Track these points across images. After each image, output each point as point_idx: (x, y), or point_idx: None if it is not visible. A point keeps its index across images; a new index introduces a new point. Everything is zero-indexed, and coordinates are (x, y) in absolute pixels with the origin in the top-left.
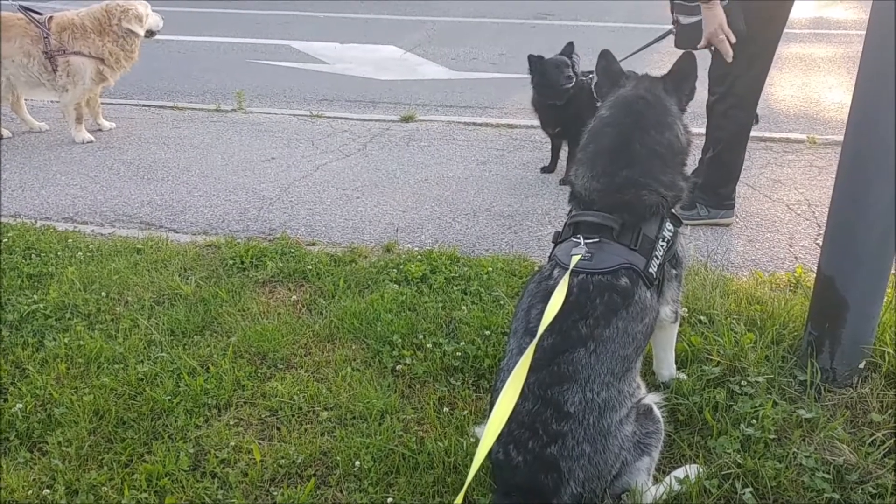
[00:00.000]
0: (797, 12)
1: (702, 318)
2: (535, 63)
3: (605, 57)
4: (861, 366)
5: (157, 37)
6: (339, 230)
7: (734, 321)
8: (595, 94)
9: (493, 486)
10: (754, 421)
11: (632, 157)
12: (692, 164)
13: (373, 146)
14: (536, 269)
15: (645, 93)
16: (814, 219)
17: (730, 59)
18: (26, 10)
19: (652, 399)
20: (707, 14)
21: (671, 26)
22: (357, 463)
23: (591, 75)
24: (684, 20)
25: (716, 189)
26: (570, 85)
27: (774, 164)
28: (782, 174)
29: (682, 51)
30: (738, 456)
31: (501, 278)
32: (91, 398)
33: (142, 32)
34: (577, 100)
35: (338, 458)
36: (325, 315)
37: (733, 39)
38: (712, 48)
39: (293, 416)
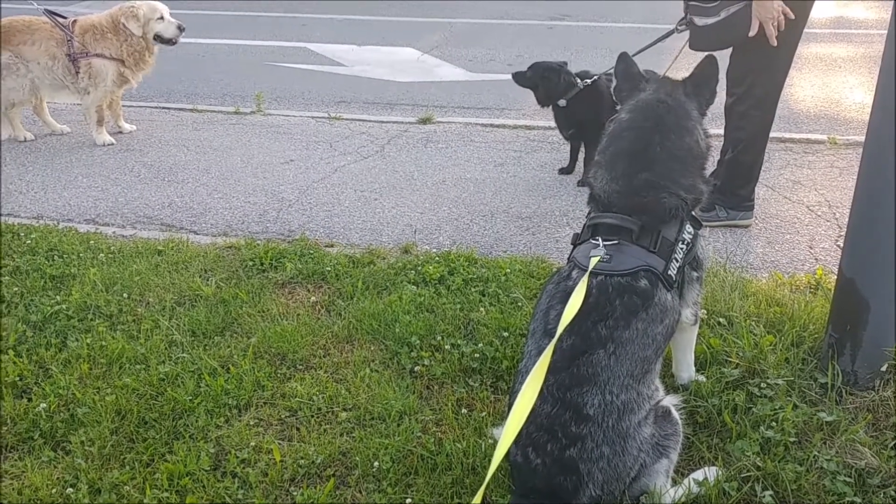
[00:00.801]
0: (817, 12)
1: (721, 320)
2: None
3: (624, 60)
4: (883, 368)
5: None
6: (358, 232)
7: (753, 323)
8: (614, 97)
9: (511, 487)
10: (774, 423)
11: (651, 160)
12: (711, 166)
13: (391, 148)
14: (555, 270)
15: (665, 97)
16: (834, 220)
17: (774, 43)
18: (51, 13)
19: (670, 401)
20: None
21: (676, 26)
22: (376, 463)
23: (604, 74)
24: (700, 21)
25: (735, 190)
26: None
27: (794, 164)
28: (802, 175)
29: (694, 51)
30: (758, 458)
31: (519, 280)
32: (113, 398)
33: (137, 32)
34: (591, 101)
35: (357, 458)
36: (344, 316)
37: (782, 27)
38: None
39: (312, 416)
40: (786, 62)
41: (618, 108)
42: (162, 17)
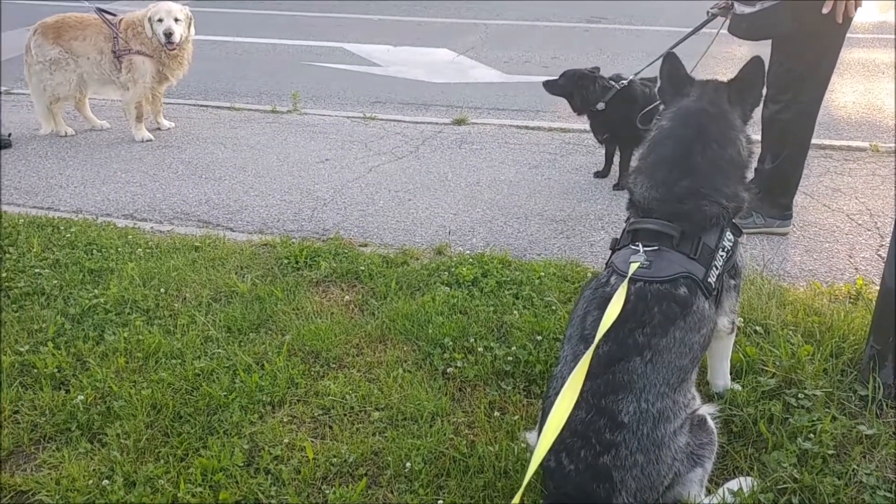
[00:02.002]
0: (860, 16)
1: (757, 328)
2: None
3: (670, 60)
4: None
5: (194, 37)
6: (391, 232)
7: (791, 332)
8: (658, 97)
9: (543, 492)
10: (812, 435)
11: (693, 168)
12: (751, 173)
13: (425, 149)
14: (590, 275)
15: (708, 105)
16: (876, 229)
17: (840, 20)
18: (101, 11)
19: (706, 410)
20: None
21: (709, 10)
22: (408, 464)
23: (635, 77)
24: (738, 9)
25: (774, 199)
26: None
27: (834, 172)
28: (842, 183)
29: (731, 34)
30: (795, 470)
31: (553, 283)
32: (149, 392)
33: (148, 33)
34: (625, 104)
35: (389, 458)
36: (377, 316)
37: (851, 14)
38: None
39: (345, 415)
40: (830, 68)
41: (661, 108)
42: (161, 20)
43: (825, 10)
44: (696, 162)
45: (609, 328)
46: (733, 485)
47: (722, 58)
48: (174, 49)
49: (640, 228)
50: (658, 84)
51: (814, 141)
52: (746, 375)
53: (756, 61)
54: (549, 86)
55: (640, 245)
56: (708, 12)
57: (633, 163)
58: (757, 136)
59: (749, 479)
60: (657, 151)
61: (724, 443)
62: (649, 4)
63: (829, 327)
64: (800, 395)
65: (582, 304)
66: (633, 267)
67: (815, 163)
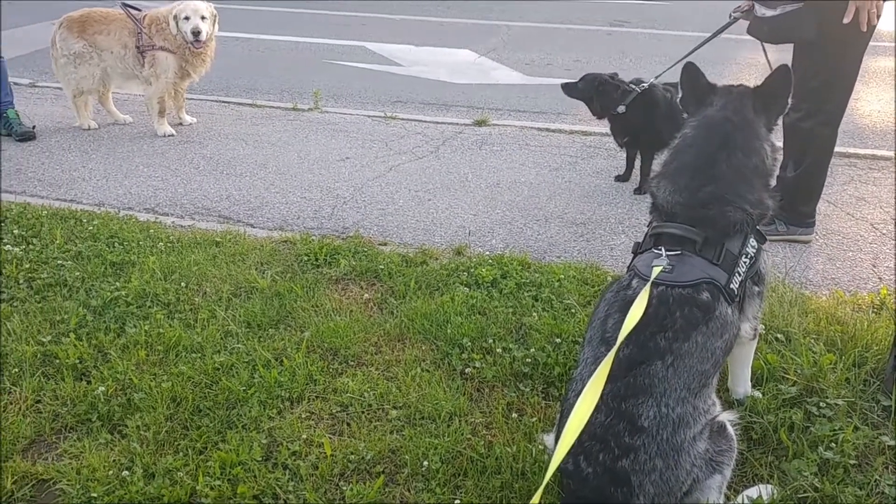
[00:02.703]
0: (885, 24)
1: (778, 335)
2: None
3: (689, 70)
4: None
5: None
6: (411, 231)
7: (812, 341)
8: (680, 107)
9: (560, 494)
10: (833, 444)
11: (717, 176)
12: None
13: (445, 149)
14: (610, 279)
15: (732, 115)
16: None
17: (864, 29)
18: (126, 6)
19: (726, 417)
20: None
21: (731, 13)
22: (425, 463)
23: (656, 81)
24: (759, 11)
25: (797, 207)
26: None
27: (859, 180)
28: (867, 192)
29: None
30: (816, 479)
31: (573, 286)
32: (169, 385)
33: (173, 30)
34: (646, 108)
35: (406, 457)
36: (396, 315)
37: (874, 21)
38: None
39: (363, 412)
40: (853, 76)
41: (684, 116)
42: (188, 18)
43: (846, 20)
44: (720, 170)
45: (630, 331)
46: (752, 492)
47: (746, 64)
48: (201, 47)
49: (663, 233)
50: (679, 94)
51: (838, 149)
52: (767, 383)
53: (783, 70)
54: (568, 89)
55: (663, 249)
56: (730, 15)
57: (655, 168)
58: (780, 143)
59: (769, 486)
60: (680, 158)
61: (744, 450)
62: (672, 8)
63: (851, 336)
64: (821, 404)
65: (603, 307)
66: (656, 271)
67: (839, 171)
